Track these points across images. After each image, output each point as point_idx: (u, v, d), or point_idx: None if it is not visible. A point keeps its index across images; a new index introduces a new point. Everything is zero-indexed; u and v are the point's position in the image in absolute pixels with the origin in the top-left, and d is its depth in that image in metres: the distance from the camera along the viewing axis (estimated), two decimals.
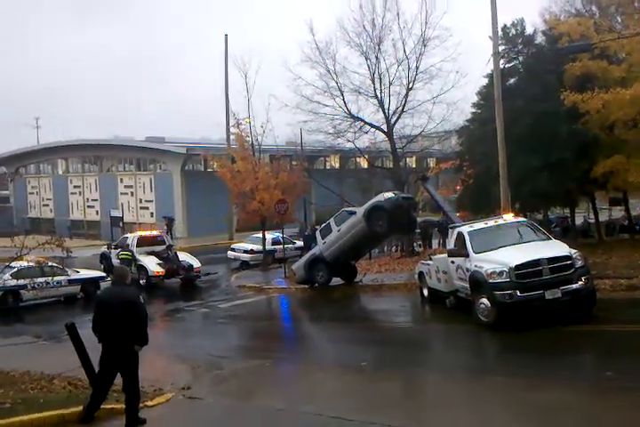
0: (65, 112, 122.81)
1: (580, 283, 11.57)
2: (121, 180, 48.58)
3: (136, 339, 7.58)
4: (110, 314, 7.61)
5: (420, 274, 16.22)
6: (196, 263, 23.70)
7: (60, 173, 54.80)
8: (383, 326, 14.65)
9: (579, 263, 11.84)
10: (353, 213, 19.32)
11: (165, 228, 26.10)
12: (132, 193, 47.71)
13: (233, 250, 29.22)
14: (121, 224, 37.56)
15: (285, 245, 25.68)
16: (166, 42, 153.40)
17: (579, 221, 28.76)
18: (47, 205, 55.37)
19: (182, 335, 15.55)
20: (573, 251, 12.14)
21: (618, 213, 33.06)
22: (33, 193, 56.59)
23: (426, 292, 15.91)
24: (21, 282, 18.09)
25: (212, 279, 24.41)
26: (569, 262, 11.71)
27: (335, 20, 32.97)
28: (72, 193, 52.67)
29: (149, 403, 8.58)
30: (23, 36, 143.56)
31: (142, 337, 7.64)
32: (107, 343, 7.65)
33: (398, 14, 26.24)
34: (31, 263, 18.18)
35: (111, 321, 7.58)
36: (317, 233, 20.70)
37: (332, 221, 19.84)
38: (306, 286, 20.27)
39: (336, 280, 20.27)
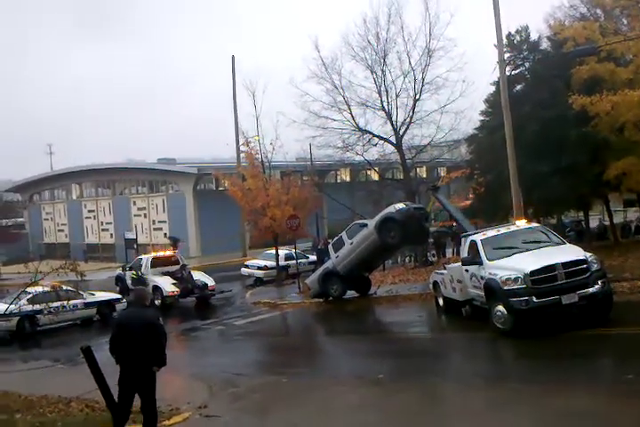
0: (78, 138, 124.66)
1: (597, 286, 11.40)
2: (134, 202, 48.94)
3: (154, 360, 7.54)
4: (129, 335, 7.58)
5: (435, 284, 16.09)
6: (210, 282, 23.72)
7: (74, 198, 55.34)
8: (399, 338, 14.50)
9: (594, 267, 11.66)
10: (365, 225, 19.26)
11: (171, 248, 26.26)
12: (145, 215, 48.03)
13: (247, 267, 29.23)
14: (135, 246, 37.78)
15: (298, 260, 25.64)
16: (176, 65, 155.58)
17: (593, 224, 28.46)
18: (62, 231, 55.86)
19: (198, 354, 15.49)
20: (589, 254, 11.97)
21: (633, 214, 32.72)
22: (48, 219, 57.16)
23: (441, 301, 15.77)
24: (37, 307, 18.21)
25: (227, 297, 24.38)
26: (584, 266, 11.55)
27: (340, 35, 33.19)
28: (86, 217, 53.12)
29: (166, 423, 8.52)
30: (38, 63, 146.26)
31: (161, 358, 7.61)
32: (125, 365, 7.62)
33: (402, 27, 26.46)
34: (46, 288, 18.36)
35: (130, 342, 7.55)
36: (330, 247, 20.66)
37: (344, 234, 19.79)
38: (320, 300, 20.18)
39: (350, 293, 20.16)
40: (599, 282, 11.48)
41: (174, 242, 26.94)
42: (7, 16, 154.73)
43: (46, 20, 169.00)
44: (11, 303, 14.99)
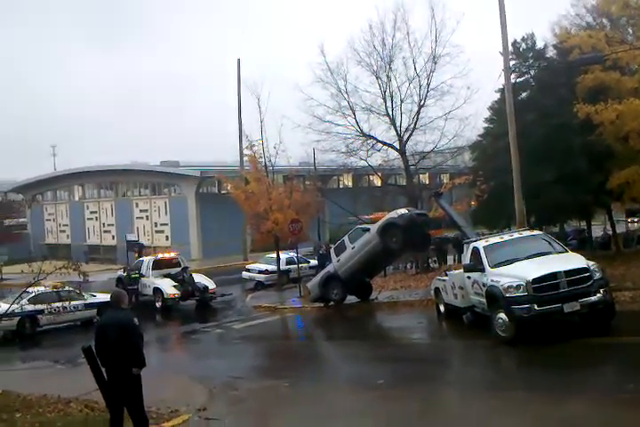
0: (82, 140, 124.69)
1: (599, 295, 11.37)
2: (136, 204, 48.95)
3: (132, 361, 7.53)
4: (107, 338, 7.61)
5: (436, 290, 16.07)
6: (211, 285, 23.70)
7: (77, 199, 55.37)
8: (400, 344, 14.49)
9: (597, 275, 11.64)
10: (367, 229, 19.26)
11: (136, 255, 26.11)
12: (147, 217, 48.02)
13: (248, 270, 29.22)
14: (136, 248, 37.74)
15: (300, 265, 25.62)
16: (180, 67, 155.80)
17: (595, 233, 28.43)
18: (64, 231, 55.86)
19: (198, 356, 15.48)
20: (591, 263, 11.96)
21: (635, 224, 32.68)
22: (50, 219, 57.17)
23: (442, 308, 15.74)
24: (39, 307, 18.25)
25: (228, 300, 24.37)
26: (587, 275, 11.53)
27: (345, 41, 33.25)
28: (88, 219, 53.12)
29: (165, 424, 8.51)
30: (41, 65, 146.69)
31: (138, 359, 7.57)
32: (107, 367, 7.63)
33: (408, 33, 26.39)
34: (48, 288, 18.38)
35: (108, 345, 7.57)
36: (332, 251, 20.65)
37: (346, 238, 19.78)
38: (321, 305, 20.16)
39: (351, 298, 20.14)
40: (601, 291, 11.45)
41: (140, 249, 26.69)
42: (16, 15, 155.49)
43: (53, 22, 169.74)
44: (12, 303, 14.96)
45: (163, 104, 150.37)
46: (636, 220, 34.09)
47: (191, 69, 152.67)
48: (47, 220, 57.37)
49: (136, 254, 26.26)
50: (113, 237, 50.11)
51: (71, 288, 19.41)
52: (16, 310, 16.30)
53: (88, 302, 20.14)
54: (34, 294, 17.44)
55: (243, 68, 37.97)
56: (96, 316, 20.00)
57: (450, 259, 29.33)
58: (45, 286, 17.57)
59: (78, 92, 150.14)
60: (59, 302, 18.67)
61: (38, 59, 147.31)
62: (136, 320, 7.92)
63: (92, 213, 52.96)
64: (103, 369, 7.66)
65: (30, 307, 17.93)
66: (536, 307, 11.17)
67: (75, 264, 12.38)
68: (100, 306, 19.90)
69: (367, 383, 10.35)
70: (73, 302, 19.21)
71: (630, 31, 21.56)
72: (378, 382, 10.29)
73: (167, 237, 46.13)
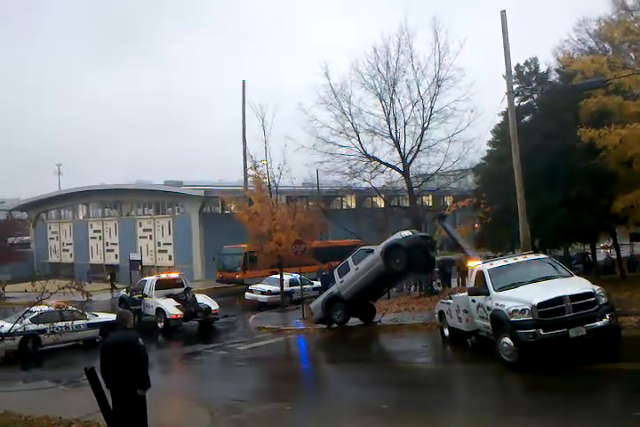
0: (87, 159, 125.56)
1: (605, 320, 11.29)
2: (140, 224, 49.06)
3: (137, 382, 7.49)
4: (111, 358, 7.59)
5: (441, 313, 15.98)
6: (213, 305, 23.62)
7: (81, 217, 55.54)
8: (404, 367, 14.34)
9: (602, 300, 11.57)
10: (371, 251, 19.23)
11: (109, 277, 26.20)
12: (150, 236, 48.09)
13: (250, 291, 29.14)
14: (140, 267, 37.80)
15: (303, 286, 25.55)
16: (185, 89, 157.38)
17: (599, 257, 28.34)
18: (67, 250, 55.91)
19: (200, 378, 15.36)
20: (596, 287, 11.89)
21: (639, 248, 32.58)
22: (53, 238, 57.28)
23: (447, 331, 15.63)
24: (41, 326, 18.17)
25: (230, 321, 24.25)
26: (592, 299, 11.46)
27: (350, 63, 33.69)
28: (92, 237, 53.23)
29: None
30: (48, 84, 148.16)
31: (143, 380, 7.55)
32: (112, 388, 7.60)
33: (412, 56, 26.80)
34: (51, 308, 18.33)
35: (113, 365, 7.55)
36: (335, 272, 20.59)
37: (349, 259, 19.76)
38: (324, 327, 20.05)
39: (354, 320, 20.03)
40: (607, 316, 11.37)
41: (112, 273, 26.83)
42: (16, 43, 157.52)
43: (62, 45, 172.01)
44: (15, 322, 14.91)
45: (167, 125, 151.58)
46: None
47: (197, 90, 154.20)
48: (51, 238, 57.50)
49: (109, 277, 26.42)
50: (116, 256, 50.14)
51: (74, 308, 19.38)
52: (19, 330, 16.26)
53: (91, 321, 20.06)
54: (37, 313, 17.37)
55: (249, 89, 38.25)
56: (99, 336, 19.92)
57: (453, 281, 29.23)
58: (48, 306, 17.59)
59: (83, 112, 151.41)
60: (61, 321, 18.62)
61: (43, 79, 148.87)
62: (141, 341, 7.91)
63: (95, 231, 53.08)
64: (108, 391, 7.62)
65: (33, 326, 17.85)
66: (541, 332, 11.09)
67: (77, 284, 12.39)
68: (103, 326, 19.84)
69: (371, 407, 10.25)
70: (76, 322, 19.16)
71: (632, 56, 21.75)
72: (382, 406, 10.18)
73: (170, 256, 46.12)
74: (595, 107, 18.49)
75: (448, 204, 40.25)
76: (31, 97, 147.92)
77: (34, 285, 13.16)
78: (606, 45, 25.64)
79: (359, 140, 27.59)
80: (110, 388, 7.64)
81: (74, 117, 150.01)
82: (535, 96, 23.91)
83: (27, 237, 61.03)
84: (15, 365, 18.10)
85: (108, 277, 27.64)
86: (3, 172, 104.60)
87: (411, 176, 27.77)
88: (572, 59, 21.21)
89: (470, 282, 14.09)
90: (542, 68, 24.24)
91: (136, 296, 24.40)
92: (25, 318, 15.90)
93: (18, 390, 14.42)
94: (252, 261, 33.30)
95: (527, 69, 24.07)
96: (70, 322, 18.83)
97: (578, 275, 14.10)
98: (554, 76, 24.35)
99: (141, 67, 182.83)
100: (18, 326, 15.25)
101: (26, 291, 12.96)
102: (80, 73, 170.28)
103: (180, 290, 24.26)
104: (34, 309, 15.16)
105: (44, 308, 17.11)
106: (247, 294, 29.15)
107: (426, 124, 27.05)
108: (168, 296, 23.96)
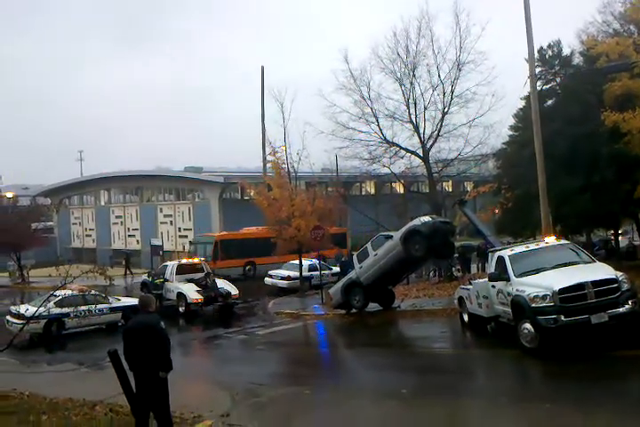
0: (109, 145, 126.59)
1: (627, 306, 11.20)
2: (160, 209, 49.40)
3: (159, 365, 7.59)
4: (134, 341, 7.70)
5: (460, 299, 15.94)
6: (233, 290, 23.80)
7: (103, 203, 56.07)
8: (423, 353, 14.37)
9: (625, 286, 11.46)
10: (390, 237, 19.18)
11: (124, 262, 26.12)
12: (170, 222, 48.43)
13: (270, 277, 29.32)
14: (161, 253, 38.15)
15: (322, 272, 25.63)
16: (206, 75, 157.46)
17: (622, 243, 28.01)
18: (90, 236, 56.57)
19: (221, 362, 15.54)
20: (619, 273, 11.77)
21: None
22: (76, 224, 57.95)
23: (466, 317, 15.61)
24: (65, 310, 18.50)
25: (250, 306, 24.43)
26: (615, 286, 11.36)
27: (369, 48, 33.38)
28: (114, 223, 53.75)
29: None
30: (75, 75, 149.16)
31: (165, 362, 7.64)
32: (135, 371, 7.71)
33: (432, 40, 26.47)
34: (74, 292, 18.64)
35: (135, 348, 7.66)
36: (354, 257, 20.61)
37: (368, 245, 19.74)
38: (343, 312, 20.12)
39: (374, 306, 20.07)
40: (629, 302, 11.28)
41: (127, 257, 26.68)
42: (45, 31, 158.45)
43: (85, 35, 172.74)
44: (39, 306, 15.19)
45: (188, 111, 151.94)
46: None
47: (216, 77, 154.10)
48: (74, 224, 58.18)
49: (124, 262, 26.28)
50: (137, 241, 50.61)
51: (97, 292, 19.68)
52: (43, 313, 16.58)
53: (113, 305, 20.34)
54: (60, 297, 17.67)
55: (267, 75, 38.19)
56: (121, 319, 20.22)
57: (473, 267, 29.10)
58: (72, 290, 17.89)
59: (105, 98, 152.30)
60: (84, 305, 18.95)
61: (64, 69, 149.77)
62: (163, 324, 8.01)
63: (117, 217, 53.58)
64: (130, 373, 7.74)
65: (57, 310, 18.16)
66: (562, 318, 11.03)
67: (100, 268, 12.57)
68: (125, 310, 20.13)
69: (389, 392, 10.31)
70: (99, 306, 19.48)
71: None
72: (401, 391, 10.23)
73: (190, 242, 46.44)
74: (619, 90, 18.13)
75: (468, 189, 39.94)
76: (52, 85, 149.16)
77: (57, 269, 13.39)
78: (632, 27, 25.07)
79: (378, 125, 27.44)
80: (133, 370, 7.76)
81: (95, 106, 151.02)
82: (558, 80, 23.53)
83: (50, 223, 61.78)
84: (40, 348, 18.48)
85: (123, 262, 27.78)
86: (27, 160, 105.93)
87: (430, 162, 27.57)
88: (596, 41, 20.78)
89: (491, 267, 14.03)
90: (566, 51, 23.86)
91: (157, 281, 24.67)
92: (49, 302, 16.19)
93: (43, 372, 14.75)
94: (226, 250, 33.36)
95: (550, 52, 23.67)
96: (93, 306, 19.18)
97: (600, 261, 13.96)
98: (577, 60, 23.94)
99: (161, 55, 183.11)
100: (42, 309, 15.53)
101: (50, 275, 13.17)
102: (101, 61, 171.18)
103: (201, 275, 24.47)
104: (57, 293, 15.46)
105: (68, 292, 17.42)
106: (267, 279, 29.33)
107: (446, 109, 26.80)
108: (189, 281, 24.20)
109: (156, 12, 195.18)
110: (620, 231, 26.49)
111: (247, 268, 34.80)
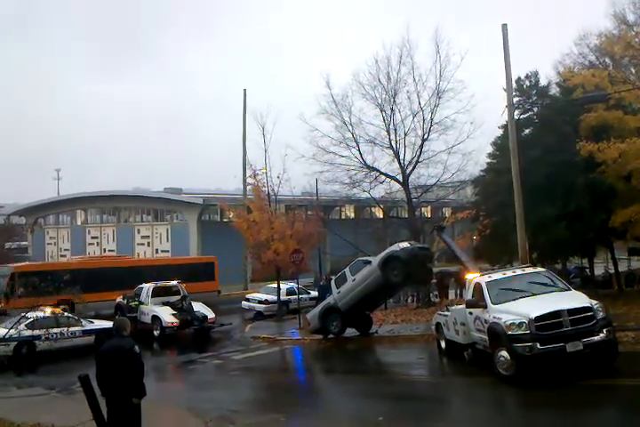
0: (87, 165, 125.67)
1: (602, 335, 11.26)
2: (138, 230, 48.99)
3: (133, 390, 7.42)
4: (107, 366, 7.53)
5: (438, 325, 15.92)
6: (210, 314, 23.52)
7: (79, 223, 55.43)
8: (400, 380, 14.28)
9: (600, 315, 11.54)
10: (368, 262, 19.21)
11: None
12: (148, 243, 48.02)
13: (247, 300, 29.08)
14: None
15: (300, 296, 25.47)
16: (187, 97, 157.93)
17: (597, 271, 28.30)
18: (64, 256, 55.70)
19: (195, 388, 15.24)
20: (594, 302, 11.87)
21: (637, 263, 32.52)
22: (51, 243, 57.13)
23: (443, 344, 15.56)
24: (36, 333, 18.06)
25: (226, 330, 24.14)
26: (590, 314, 11.44)
27: (352, 74, 33.86)
28: (89, 244, 53.10)
29: None
30: (49, 90, 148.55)
31: (139, 388, 7.49)
32: (107, 397, 7.53)
33: (413, 68, 26.92)
34: (46, 314, 18.24)
35: (108, 373, 7.49)
36: (332, 282, 20.55)
37: (347, 270, 19.72)
38: (320, 337, 19.98)
39: (351, 331, 19.96)
40: (604, 330, 11.35)
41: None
42: (24, 42, 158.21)
43: (57, 49, 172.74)
44: (10, 328, 14.84)
45: (167, 132, 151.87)
46: None
47: (197, 98, 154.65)
48: (48, 244, 57.33)
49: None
50: None
51: (70, 314, 19.29)
52: (13, 335, 16.17)
53: (86, 328, 19.96)
54: (32, 319, 17.27)
55: (250, 99, 38.62)
56: (93, 343, 19.81)
57: (451, 293, 29.15)
58: (44, 312, 17.52)
59: (84, 119, 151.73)
60: (57, 327, 18.55)
61: (42, 85, 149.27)
62: (137, 348, 7.86)
63: (93, 238, 52.97)
64: (102, 399, 7.56)
65: (28, 332, 17.74)
66: (538, 345, 11.05)
67: (73, 291, 12.37)
68: (98, 333, 19.74)
69: (366, 419, 10.19)
70: (71, 329, 19.06)
71: (633, 71, 21.90)
72: (378, 418, 10.11)
73: None
74: (595, 121, 18.55)
75: (447, 215, 40.23)
76: (31, 101, 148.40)
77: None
78: (607, 60, 25.80)
79: (359, 150, 27.65)
80: (105, 396, 7.59)
81: (72, 125, 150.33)
82: (535, 109, 23.94)
83: (24, 243, 60.84)
84: (9, 371, 17.98)
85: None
86: (2, 177, 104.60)
87: (410, 187, 27.79)
88: (572, 73, 21.31)
89: (468, 294, 14.06)
90: (543, 82, 24.31)
91: (132, 303, 24.30)
92: (20, 323, 15.82)
93: (11, 397, 14.32)
94: (26, 285, 20.18)
95: (528, 83, 24.11)
96: (65, 328, 18.76)
97: (575, 289, 14.08)
98: (554, 90, 24.42)
99: (142, 74, 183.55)
100: (13, 331, 15.16)
101: None
102: (80, 79, 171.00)
103: (177, 298, 24.17)
104: (30, 315, 15.13)
105: (40, 314, 17.05)
106: (244, 302, 29.09)
107: (426, 136, 27.11)
108: (164, 304, 23.87)
109: (139, 33, 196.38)
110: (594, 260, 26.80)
111: (63, 307, 22.78)
